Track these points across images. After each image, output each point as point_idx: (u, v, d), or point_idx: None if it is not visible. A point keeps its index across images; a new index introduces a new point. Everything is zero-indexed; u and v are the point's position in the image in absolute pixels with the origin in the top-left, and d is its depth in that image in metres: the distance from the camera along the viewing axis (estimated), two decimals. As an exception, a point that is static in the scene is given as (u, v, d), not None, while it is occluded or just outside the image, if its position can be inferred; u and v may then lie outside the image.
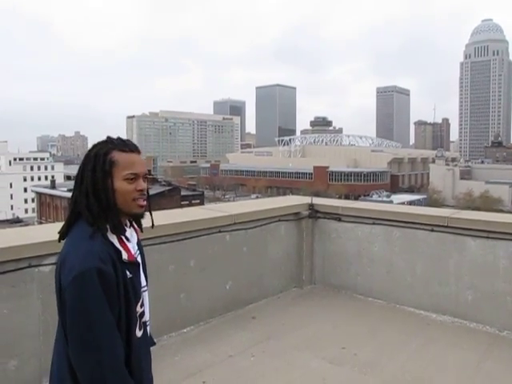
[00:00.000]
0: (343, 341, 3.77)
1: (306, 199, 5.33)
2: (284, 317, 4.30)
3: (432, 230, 4.31)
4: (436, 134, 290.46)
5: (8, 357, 2.84)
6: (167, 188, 48.52)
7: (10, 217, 73.15)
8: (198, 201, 47.48)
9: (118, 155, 1.43)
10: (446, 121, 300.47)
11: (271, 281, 4.80)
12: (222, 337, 3.82)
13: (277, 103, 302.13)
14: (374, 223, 4.69)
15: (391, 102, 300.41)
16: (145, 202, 1.48)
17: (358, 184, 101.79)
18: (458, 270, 4.20)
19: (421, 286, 4.42)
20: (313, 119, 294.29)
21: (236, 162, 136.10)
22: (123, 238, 1.46)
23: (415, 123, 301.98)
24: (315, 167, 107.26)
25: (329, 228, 5.05)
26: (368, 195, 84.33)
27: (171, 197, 44.60)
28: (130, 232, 1.53)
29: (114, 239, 1.42)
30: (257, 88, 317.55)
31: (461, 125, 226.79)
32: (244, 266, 4.47)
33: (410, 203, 55.10)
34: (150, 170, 64.01)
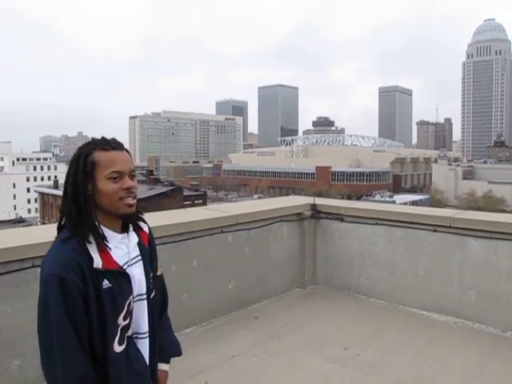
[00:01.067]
0: (346, 341, 3.77)
1: (309, 199, 5.33)
2: (287, 317, 4.30)
3: (435, 231, 4.31)
4: (438, 133, 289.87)
5: (11, 356, 2.84)
6: (170, 188, 48.57)
7: (13, 217, 73.40)
8: (201, 201, 47.48)
9: (99, 155, 1.38)
10: (448, 121, 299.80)
11: (274, 281, 4.80)
12: (224, 337, 3.82)
13: (279, 103, 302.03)
14: (376, 223, 4.69)
15: (393, 102, 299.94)
16: (134, 201, 1.41)
17: (360, 184, 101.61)
18: (460, 270, 4.19)
19: (423, 286, 4.41)
20: (315, 119, 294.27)
21: (238, 162, 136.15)
22: (105, 244, 1.37)
23: (417, 123, 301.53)
24: (317, 167, 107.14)
25: (331, 228, 5.05)
26: (370, 195, 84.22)
27: (174, 197, 44.63)
28: (126, 236, 1.45)
29: (92, 246, 1.34)
30: (259, 88, 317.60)
31: (463, 125, 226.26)
32: (246, 266, 4.47)
33: (413, 203, 54.99)
34: (152, 170, 64.22)
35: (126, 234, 1.46)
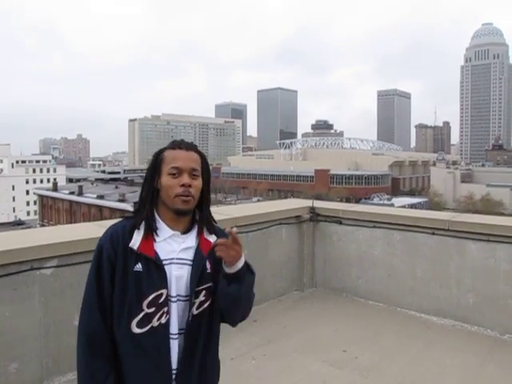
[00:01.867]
0: (344, 344, 3.77)
1: (307, 202, 5.34)
2: (285, 320, 4.30)
3: (433, 234, 4.32)
4: (437, 137, 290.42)
5: (9, 359, 2.84)
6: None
7: (12, 219, 73.27)
8: (199, 203, 47.26)
9: (167, 153, 1.50)
10: (446, 124, 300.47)
11: (272, 284, 4.80)
12: (222, 340, 3.79)
13: (278, 106, 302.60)
14: (374, 226, 4.70)
15: (392, 106, 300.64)
16: (189, 199, 1.45)
17: (359, 187, 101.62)
18: (458, 273, 4.20)
19: (422, 289, 4.41)
20: (314, 122, 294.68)
21: (237, 164, 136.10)
22: (151, 233, 1.45)
23: (416, 126, 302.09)
24: (316, 170, 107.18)
25: (330, 231, 5.06)
26: (369, 198, 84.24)
27: (173, 199, 44.55)
28: (180, 236, 1.48)
29: (139, 231, 1.46)
30: (258, 91, 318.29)
31: (461, 128, 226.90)
32: (245, 268, 4.47)
33: (411, 206, 55.06)
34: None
35: (180, 234, 1.50)
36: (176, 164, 1.46)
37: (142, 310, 1.41)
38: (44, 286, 2.98)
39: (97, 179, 72.94)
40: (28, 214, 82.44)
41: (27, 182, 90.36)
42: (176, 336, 1.45)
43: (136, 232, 1.46)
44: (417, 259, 4.45)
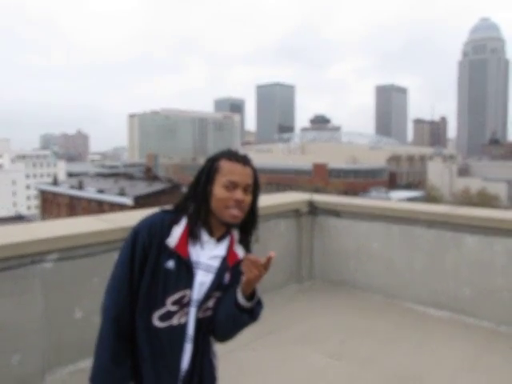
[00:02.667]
0: (342, 335, 3.81)
1: (306, 196, 5.36)
2: (284, 312, 4.34)
3: (430, 227, 4.35)
4: (434, 131, 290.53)
5: (11, 352, 2.86)
6: (168, 185, 48.51)
7: (12, 214, 73.03)
8: (199, 198, 47.22)
9: (223, 163, 1.48)
10: (443, 119, 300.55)
11: (271, 277, 4.80)
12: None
13: (277, 101, 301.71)
14: (372, 220, 4.73)
15: (389, 100, 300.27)
16: (239, 213, 1.46)
17: (356, 181, 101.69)
18: (456, 265, 4.23)
19: (419, 281, 4.45)
20: (312, 117, 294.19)
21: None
22: (191, 234, 1.47)
23: (413, 121, 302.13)
24: (314, 164, 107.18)
25: (328, 224, 5.09)
26: (367, 192, 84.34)
27: (172, 194, 44.54)
28: (213, 243, 1.50)
29: (178, 228, 1.46)
30: (257, 86, 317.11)
31: (458, 122, 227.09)
32: (244, 262, 4.50)
33: (409, 200, 55.13)
34: (150, 168, 63.89)
35: (215, 242, 1.51)
36: (233, 178, 1.46)
37: (165, 306, 1.44)
38: (45, 280, 2.99)
39: (97, 174, 72.62)
40: (28, 208, 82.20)
41: (27, 177, 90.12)
42: (190, 338, 1.48)
43: (174, 229, 1.46)
44: (414, 252, 4.49)
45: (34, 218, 56.62)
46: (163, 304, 1.44)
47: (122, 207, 38.73)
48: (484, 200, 68.69)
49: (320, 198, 5.39)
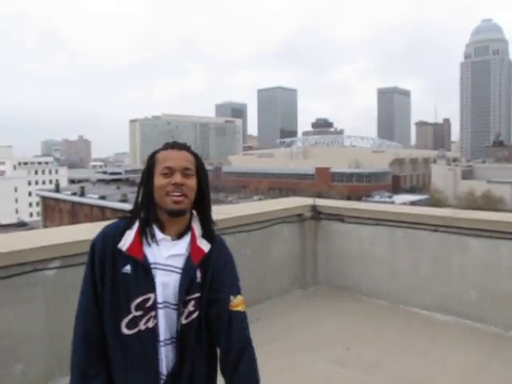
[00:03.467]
0: (347, 342, 3.77)
1: (309, 200, 5.34)
2: (288, 318, 4.30)
3: (435, 230, 4.31)
4: (437, 134, 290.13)
5: (14, 360, 2.84)
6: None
7: (15, 220, 73.36)
8: (201, 203, 47.31)
9: (159, 154, 1.49)
10: (447, 121, 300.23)
11: (275, 282, 4.80)
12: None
13: (278, 105, 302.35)
14: (376, 224, 4.69)
15: (392, 103, 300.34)
16: (180, 198, 1.42)
17: (359, 185, 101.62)
18: (461, 269, 4.19)
19: (424, 286, 4.41)
20: (314, 121, 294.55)
21: (238, 164, 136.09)
22: (143, 234, 1.45)
23: (416, 124, 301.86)
24: (317, 168, 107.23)
25: (332, 229, 5.05)
26: (370, 196, 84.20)
27: (174, 199, 44.63)
28: (170, 240, 1.45)
29: (131, 232, 1.45)
30: (258, 90, 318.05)
31: (462, 125, 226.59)
32: (247, 267, 4.47)
33: (412, 204, 55.00)
34: (151, 173, 63.92)
35: (171, 239, 1.46)
36: (168, 163, 1.44)
37: (131, 313, 1.40)
38: (47, 287, 2.98)
39: (98, 180, 72.94)
40: (31, 215, 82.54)
41: (29, 184, 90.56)
42: (165, 343, 1.42)
43: (127, 233, 1.45)
44: (419, 256, 4.45)
45: (37, 224, 56.87)
46: (129, 311, 1.40)
47: (124, 213, 38.81)
48: (489, 202, 68.45)
49: (323, 202, 5.37)
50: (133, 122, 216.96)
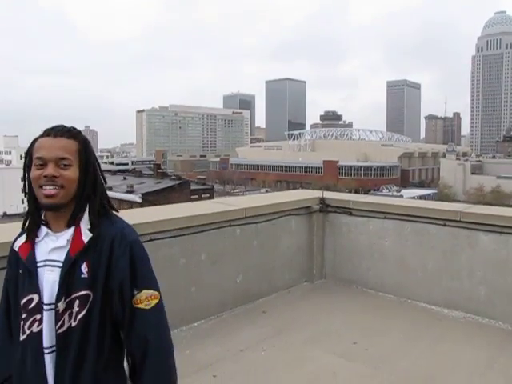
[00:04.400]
0: (354, 336, 3.75)
1: (317, 193, 5.30)
2: (295, 311, 4.29)
3: (444, 225, 4.26)
4: (447, 128, 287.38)
5: None
6: (177, 182, 48.73)
7: (21, 211, 74.06)
8: (208, 195, 47.56)
9: (37, 142, 1.34)
10: (457, 115, 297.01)
11: (282, 275, 4.79)
12: (232, 331, 3.82)
13: (287, 97, 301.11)
14: (385, 217, 4.65)
15: (402, 96, 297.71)
16: (53, 191, 1.26)
17: (368, 178, 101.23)
18: (470, 265, 4.15)
19: (433, 281, 4.37)
20: (323, 113, 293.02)
21: (246, 156, 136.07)
22: (26, 231, 1.35)
23: (426, 117, 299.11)
24: (325, 161, 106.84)
25: (340, 222, 5.02)
26: (378, 190, 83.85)
27: (181, 191, 44.76)
28: (53, 233, 1.32)
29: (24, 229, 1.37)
30: (266, 82, 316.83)
31: (472, 119, 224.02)
32: (254, 260, 4.47)
33: (421, 198, 54.64)
34: (159, 164, 64.20)
35: (55, 232, 1.33)
36: (40, 153, 1.30)
37: (21, 315, 1.30)
38: None
39: (105, 170, 72.77)
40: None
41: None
42: (49, 350, 1.27)
43: (23, 232, 1.37)
44: (428, 251, 4.41)
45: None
46: (20, 314, 1.30)
47: (131, 204, 38.98)
48: (498, 198, 67.85)
49: (331, 195, 5.33)
50: (139, 112, 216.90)
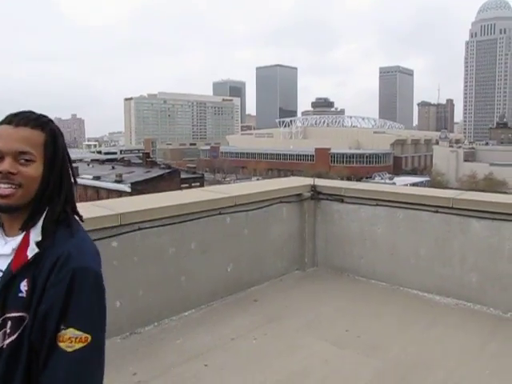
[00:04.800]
0: (346, 323, 3.74)
1: (308, 180, 5.25)
2: (286, 299, 4.27)
3: (436, 212, 4.24)
4: (440, 115, 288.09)
5: None
6: (167, 171, 48.50)
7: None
8: (198, 183, 47.46)
9: None
10: (450, 102, 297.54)
11: (273, 263, 4.76)
12: (223, 320, 3.79)
13: (277, 84, 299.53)
14: (377, 204, 4.62)
15: (394, 83, 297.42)
16: (7, 190, 1.09)
17: (360, 166, 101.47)
18: (462, 251, 4.14)
19: (425, 267, 4.37)
20: (314, 100, 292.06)
21: (236, 144, 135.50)
22: None
23: (419, 104, 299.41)
24: (317, 149, 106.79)
25: (331, 209, 4.99)
26: (370, 177, 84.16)
27: (171, 179, 44.59)
28: (6, 239, 1.15)
29: None
30: (257, 68, 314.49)
31: (465, 106, 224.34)
32: (245, 248, 4.43)
33: (413, 185, 54.92)
34: (148, 153, 63.68)
35: (6, 236, 1.16)
36: None
37: None
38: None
39: (93, 160, 71.72)
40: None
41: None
42: None
43: None
44: (420, 237, 4.39)
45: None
46: None
47: (120, 194, 38.71)
48: (491, 185, 68.39)
49: (323, 182, 5.29)
50: (128, 100, 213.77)
